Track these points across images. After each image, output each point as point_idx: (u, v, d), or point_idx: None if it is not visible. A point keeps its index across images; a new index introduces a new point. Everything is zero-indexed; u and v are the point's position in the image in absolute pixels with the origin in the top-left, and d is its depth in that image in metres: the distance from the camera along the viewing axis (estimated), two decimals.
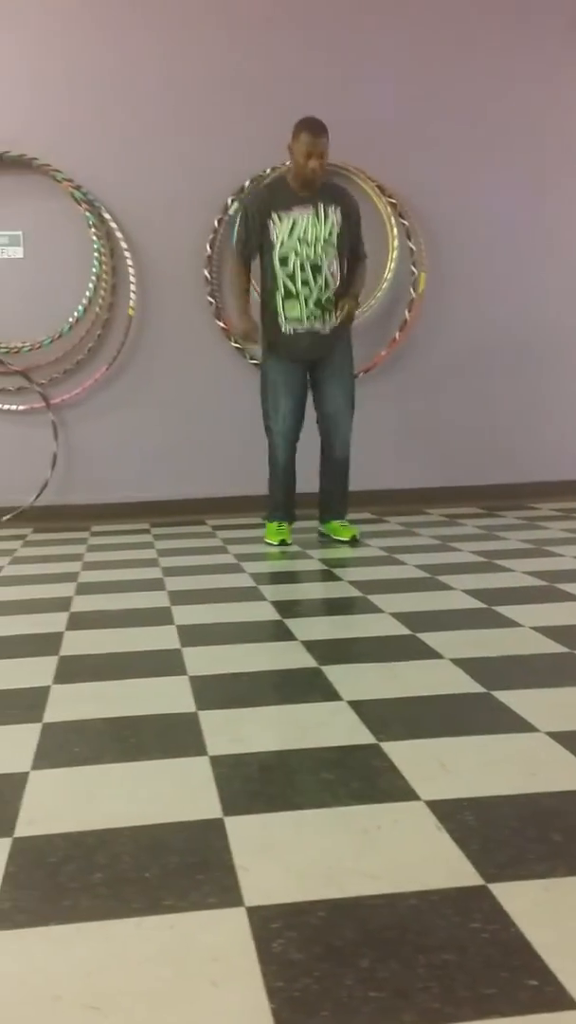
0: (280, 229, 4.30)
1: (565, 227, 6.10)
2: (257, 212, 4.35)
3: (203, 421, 5.83)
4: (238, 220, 4.68)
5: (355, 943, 1.22)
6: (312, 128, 4.23)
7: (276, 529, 4.58)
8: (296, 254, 4.30)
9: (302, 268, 4.30)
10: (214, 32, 5.68)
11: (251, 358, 5.73)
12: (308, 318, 4.34)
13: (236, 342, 5.58)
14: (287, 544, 4.51)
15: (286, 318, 4.36)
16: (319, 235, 4.30)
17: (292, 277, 4.31)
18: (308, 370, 4.47)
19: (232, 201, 5.66)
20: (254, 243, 4.38)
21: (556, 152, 6.05)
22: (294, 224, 4.30)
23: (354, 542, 4.50)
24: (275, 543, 4.51)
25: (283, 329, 4.37)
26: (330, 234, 4.32)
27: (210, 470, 5.84)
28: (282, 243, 4.30)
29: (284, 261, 4.31)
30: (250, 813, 1.61)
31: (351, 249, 4.43)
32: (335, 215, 4.33)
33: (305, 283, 4.31)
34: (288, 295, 4.33)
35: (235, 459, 5.77)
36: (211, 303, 5.74)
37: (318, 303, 4.33)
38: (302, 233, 4.29)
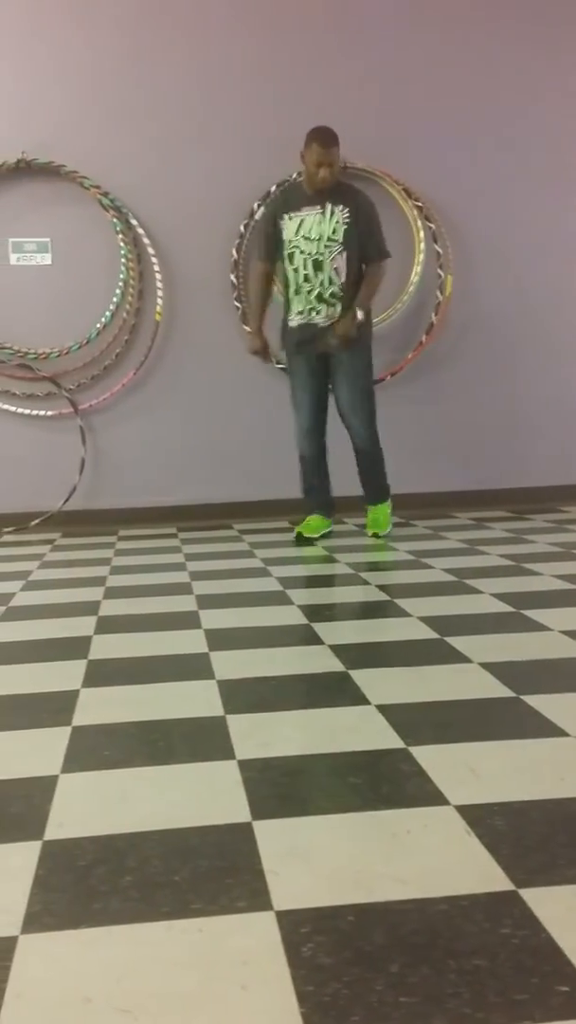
0: (288, 228, 4.56)
1: None
2: (271, 215, 4.66)
3: (230, 426, 5.84)
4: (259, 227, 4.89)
5: (385, 948, 1.22)
6: (322, 139, 4.44)
7: (310, 522, 4.80)
8: (300, 251, 4.55)
9: (305, 265, 4.55)
10: (241, 38, 5.70)
11: (277, 362, 5.74)
12: (308, 311, 4.59)
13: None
14: (325, 534, 4.79)
15: (292, 312, 4.65)
16: (323, 232, 4.51)
17: (297, 273, 4.57)
18: (325, 366, 4.68)
19: (258, 206, 5.67)
20: (270, 245, 4.66)
21: None
22: (301, 223, 4.55)
23: (375, 536, 4.80)
24: (316, 536, 4.75)
25: (289, 323, 4.68)
26: (334, 232, 4.51)
27: (237, 474, 5.85)
28: (289, 241, 4.57)
29: (291, 258, 4.58)
30: (278, 817, 1.61)
31: (361, 248, 4.56)
32: (341, 214, 4.52)
33: (307, 279, 4.56)
34: (296, 290, 4.60)
35: (262, 463, 5.78)
36: (238, 308, 5.75)
37: (319, 297, 4.56)
38: (307, 231, 4.53)
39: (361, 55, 5.79)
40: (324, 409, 4.74)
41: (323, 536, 4.80)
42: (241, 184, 5.68)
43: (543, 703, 2.13)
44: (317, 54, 5.75)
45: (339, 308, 4.56)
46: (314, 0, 5.75)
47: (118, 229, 5.63)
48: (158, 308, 5.72)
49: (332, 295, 4.54)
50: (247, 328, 5.43)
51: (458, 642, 2.69)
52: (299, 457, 4.84)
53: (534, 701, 2.15)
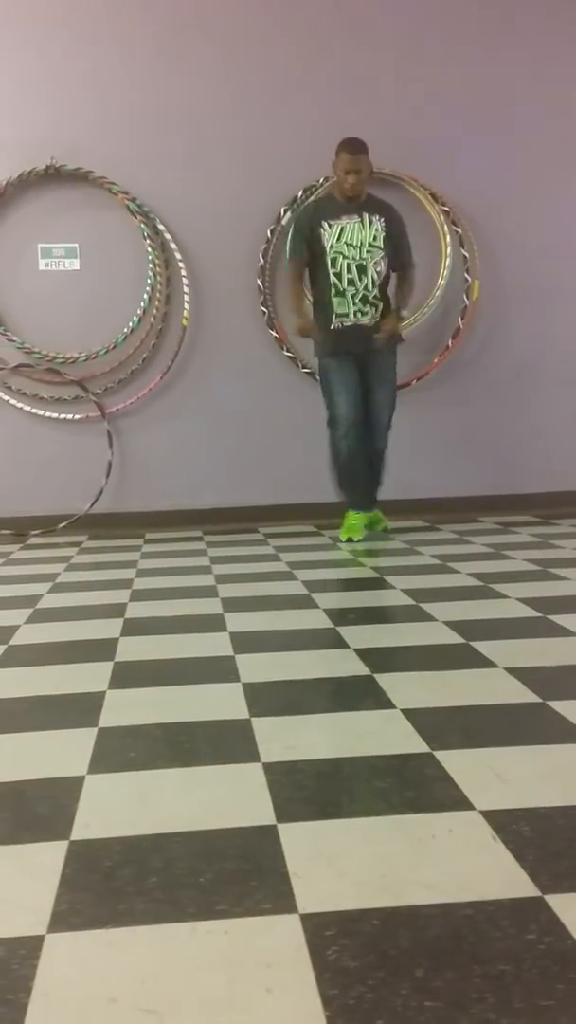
0: (330, 235, 4.76)
1: None
2: (307, 225, 4.81)
3: (256, 430, 5.85)
4: (291, 235, 4.97)
5: (410, 952, 1.22)
6: (350, 148, 4.70)
7: (355, 523, 4.92)
8: (344, 256, 4.77)
9: (349, 269, 4.77)
10: (270, 45, 5.72)
11: (303, 366, 5.75)
12: (355, 313, 4.79)
13: (291, 343, 5.64)
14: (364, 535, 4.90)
15: (336, 314, 4.81)
16: (364, 239, 4.78)
17: (340, 276, 4.78)
18: (359, 367, 4.84)
19: (285, 211, 5.69)
20: (307, 254, 4.82)
21: None
22: (342, 230, 4.78)
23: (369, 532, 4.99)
24: (357, 538, 4.85)
25: (333, 325, 4.82)
26: (374, 239, 4.80)
27: (263, 478, 5.86)
28: (331, 247, 4.78)
29: (334, 263, 4.78)
30: (304, 820, 1.61)
31: (396, 257, 4.86)
32: (379, 223, 4.81)
33: (351, 282, 4.77)
34: (338, 293, 4.80)
35: (288, 467, 5.79)
36: (264, 312, 5.76)
37: (364, 299, 4.79)
38: (349, 238, 4.77)
39: (388, 61, 5.79)
40: (362, 409, 4.86)
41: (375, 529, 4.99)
42: (269, 190, 5.70)
43: (569, 708, 2.12)
44: (344, 61, 5.76)
45: (379, 310, 4.81)
46: (344, 10, 5.76)
47: (145, 235, 5.66)
48: (185, 313, 5.74)
49: (375, 297, 4.80)
50: (275, 332, 5.47)
51: (483, 647, 2.68)
52: (335, 459, 4.92)
53: (560, 706, 2.14)
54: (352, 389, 4.81)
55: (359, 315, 4.78)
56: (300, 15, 5.73)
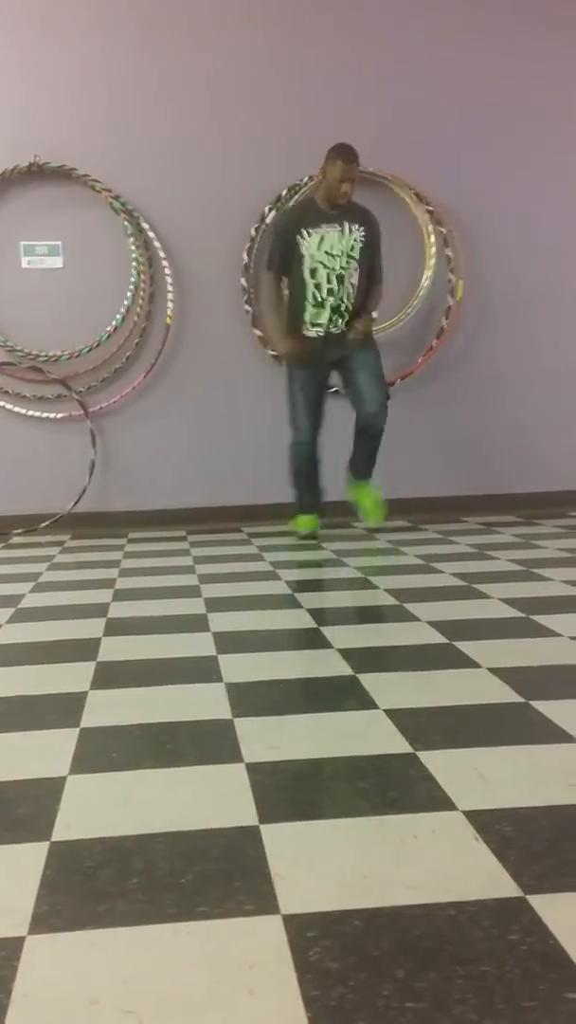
0: (309, 244, 4.72)
1: None
2: (287, 231, 4.79)
3: (240, 429, 5.85)
4: (272, 242, 4.97)
5: (392, 953, 1.22)
6: (347, 156, 4.65)
7: (300, 520, 5.06)
8: (324, 267, 4.74)
9: (328, 279, 4.74)
10: (253, 43, 5.71)
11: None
12: (329, 321, 4.79)
13: (274, 353, 5.61)
14: (314, 537, 4.95)
15: (312, 324, 4.79)
16: (344, 249, 4.75)
17: (320, 287, 4.75)
18: (332, 369, 4.90)
19: (269, 210, 5.68)
20: (286, 260, 4.78)
21: None
22: (322, 239, 4.74)
23: (372, 530, 5.10)
24: (302, 531, 4.99)
25: (306, 334, 4.80)
26: (352, 248, 4.77)
27: (247, 478, 5.85)
28: (311, 256, 4.74)
29: (313, 273, 4.74)
30: (286, 821, 1.61)
31: (368, 268, 4.85)
32: (358, 232, 4.78)
33: (331, 292, 4.76)
34: (317, 303, 4.77)
35: (272, 467, 5.77)
36: (248, 311, 5.75)
37: (342, 310, 4.79)
38: (329, 247, 4.74)
39: (372, 59, 5.79)
40: (323, 416, 4.95)
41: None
42: (253, 188, 5.69)
43: (552, 709, 2.13)
44: (328, 59, 5.76)
45: (348, 319, 4.82)
46: (325, 5, 5.76)
47: (129, 232, 5.64)
48: (169, 311, 5.73)
49: (346, 309, 4.79)
50: (259, 331, 5.47)
51: (467, 647, 2.69)
52: (299, 460, 4.97)
53: (543, 707, 2.14)
54: (317, 398, 4.86)
55: (332, 325, 4.78)
56: (284, 12, 5.73)
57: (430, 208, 5.78)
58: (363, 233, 4.77)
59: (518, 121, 5.92)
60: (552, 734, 1.98)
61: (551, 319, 6.04)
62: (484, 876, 1.40)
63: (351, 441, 5.01)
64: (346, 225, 4.74)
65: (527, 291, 6.00)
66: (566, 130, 5.97)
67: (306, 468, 4.97)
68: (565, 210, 6.00)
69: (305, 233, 4.72)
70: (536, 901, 1.32)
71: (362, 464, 5.03)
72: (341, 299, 4.75)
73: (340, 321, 4.79)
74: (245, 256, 5.72)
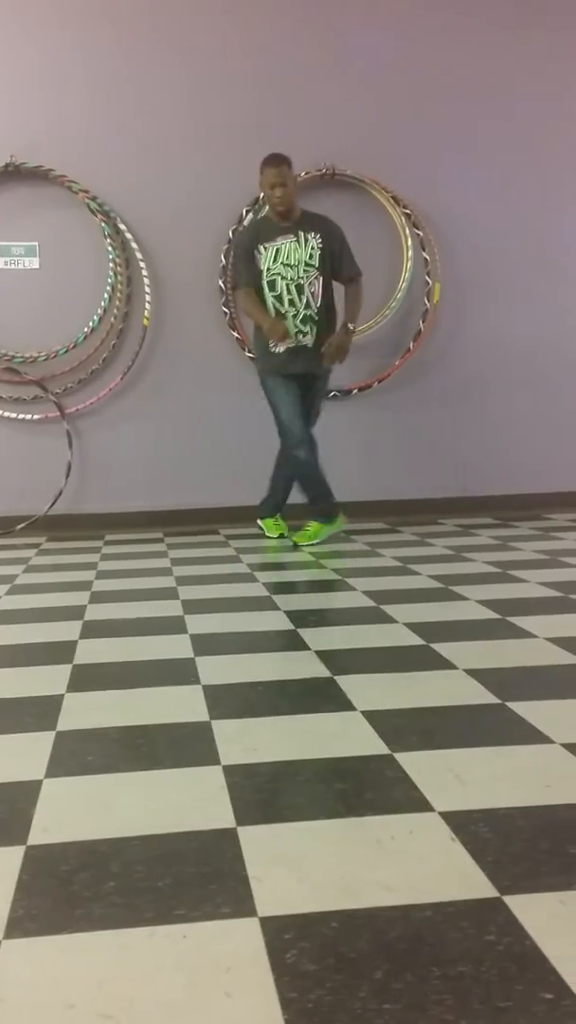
0: (266, 257, 4.72)
1: None
2: (246, 246, 4.77)
3: (217, 431, 5.84)
4: (234, 262, 5.00)
5: (369, 954, 1.22)
6: (271, 161, 4.64)
7: (341, 519, 4.98)
8: (282, 277, 4.70)
9: (288, 290, 4.70)
10: (231, 45, 5.71)
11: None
12: (296, 334, 4.72)
13: (253, 349, 5.57)
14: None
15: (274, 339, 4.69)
16: (301, 258, 4.71)
17: (279, 299, 4.71)
18: (301, 384, 4.82)
19: (247, 212, 5.68)
20: (253, 272, 4.75)
21: (573, 164, 6.04)
22: (278, 251, 4.71)
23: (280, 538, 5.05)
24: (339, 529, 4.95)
25: (271, 348, 4.74)
26: (310, 257, 4.72)
27: (224, 480, 5.85)
28: (268, 269, 4.71)
29: (272, 285, 4.71)
30: (263, 823, 1.61)
31: (338, 269, 4.80)
32: (315, 240, 4.73)
33: (291, 303, 4.71)
34: (278, 316, 4.70)
35: (249, 469, 5.77)
36: (225, 313, 5.75)
37: (305, 319, 4.72)
38: (285, 258, 4.71)
39: (350, 63, 5.80)
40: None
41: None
42: (230, 190, 5.69)
43: (528, 710, 2.14)
44: (306, 61, 5.77)
45: (315, 331, 4.74)
46: (304, 10, 5.77)
47: (106, 233, 5.63)
48: (146, 313, 5.72)
49: (309, 317, 4.72)
50: (236, 332, 5.46)
51: (444, 648, 2.69)
52: (303, 467, 4.81)
53: (519, 708, 2.15)
54: (299, 405, 4.77)
55: (300, 335, 4.70)
56: (261, 16, 5.73)
57: (408, 211, 5.80)
58: (320, 241, 4.71)
59: (496, 125, 5.95)
60: (528, 735, 1.99)
61: (527, 322, 6.07)
62: (461, 877, 1.40)
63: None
64: (302, 235, 4.70)
65: (503, 294, 6.03)
66: (544, 134, 6.00)
67: (315, 469, 4.81)
68: (542, 214, 6.04)
69: (261, 248, 4.70)
70: (512, 902, 1.33)
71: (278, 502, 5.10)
72: (306, 307, 4.69)
73: (311, 330, 4.70)
74: (223, 258, 5.72)
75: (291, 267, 4.68)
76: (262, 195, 5.13)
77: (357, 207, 5.74)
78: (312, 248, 4.71)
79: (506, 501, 6.02)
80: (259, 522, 5.19)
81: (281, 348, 4.71)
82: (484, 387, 6.07)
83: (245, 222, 5.64)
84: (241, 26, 5.72)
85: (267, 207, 4.86)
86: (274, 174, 4.60)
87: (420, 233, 5.85)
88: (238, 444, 5.83)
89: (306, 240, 4.71)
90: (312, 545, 4.77)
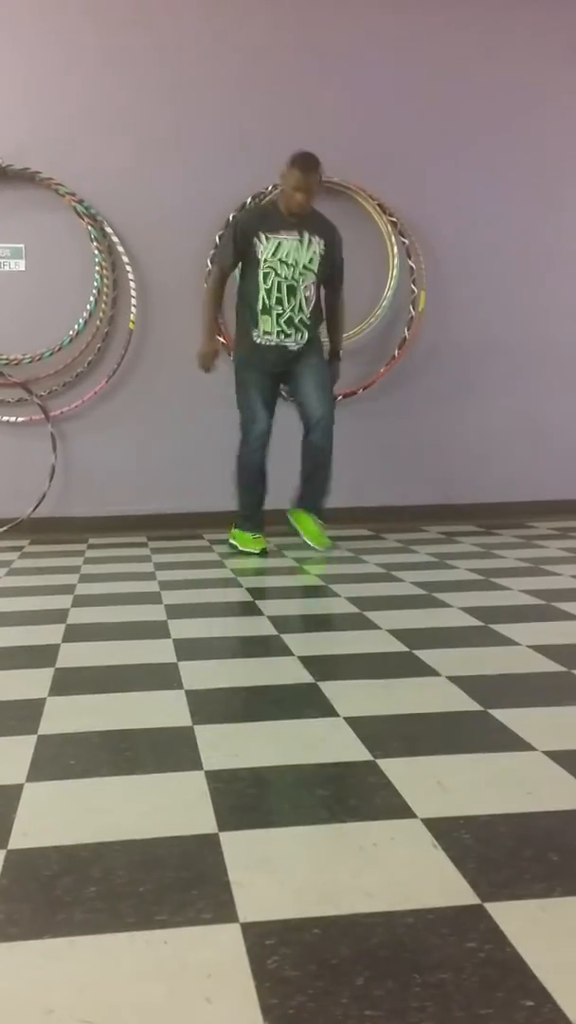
0: (266, 248, 4.57)
1: (566, 246, 6.12)
2: (245, 230, 4.62)
3: (202, 435, 5.83)
4: (225, 234, 4.89)
5: (350, 961, 1.22)
6: (303, 164, 4.45)
7: (253, 539, 4.75)
8: (276, 273, 4.58)
9: (279, 288, 4.59)
10: (218, 50, 5.72)
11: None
12: (278, 334, 4.63)
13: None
14: (266, 553, 4.69)
15: (261, 330, 4.64)
16: (299, 259, 4.59)
17: (269, 293, 4.59)
18: (280, 378, 4.75)
19: (233, 217, 5.67)
20: (237, 258, 4.65)
21: (558, 172, 6.08)
22: (279, 246, 4.57)
23: (319, 551, 4.72)
24: (257, 551, 4.69)
25: (256, 340, 4.65)
26: (310, 261, 4.61)
27: (208, 484, 5.83)
28: (265, 260, 4.57)
29: (265, 278, 4.59)
30: (245, 828, 1.61)
31: (330, 278, 4.72)
32: (318, 245, 4.62)
33: (279, 301, 4.60)
34: (264, 309, 4.61)
35: (234, 473, 5.77)
36: None
37: (289, 322, 4.63)
38: (284, 255, 4.57)
39: (337, 69, 5.82)
40: (272, 426, 4.76)
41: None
42: (217, 194, 5.69)
43: (511, 717, 2.14)
44: (294, 66, 5.78)
45: (306, 335, 4.66)
46: (292, 15, 5.78)
47: (92, 237, 5.62)
48: (131, 317, 5.71)
49: (300, 321, 4.63)
50: (223, 338, 5.44)
51: (426, 655, 2.70)
52: (243, 470, 4.77)
53: (502, 715, 2.16)
54: (270, 400, 4.71)
55: (282, 336, 4.60)
56: (248, 21, 5.74)
57: (393, 219, 5.81)
58: (323, 246, 4.60)
59: (483, 133, 5.98)
60: (510, 742, 1.99)
61: (511, 331, 6.09)
62: (442, 884, 1.40)
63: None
64: (306, 235, 4.58)
65: (489, 303, 6.05)
66: (529, 142, 6.03)
67: (260, 476, 4.72)
68: (528, 223, 6.06)
69: (263, 236, 4.55)
70: (494, 909, 1.33)
71: (314, 491, 4.78)
72: (292, 310, 4.59)
73: (295, 334, 4.61)
74: (209, 263, 5.71)
75: (288, 266, 4.55)
76: (277, 187, 4.95)
77: (343, 214, 5.73)
78: (314, 253, 4.59)
79: (490, 509, 6.04)
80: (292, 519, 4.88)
81: (264, 342, 4.62)
82: (469, 395, 6.09)
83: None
84: (229, 31, 5.73)
85: (279, 198, 4.70)
86: (300, 179, 4.42)
87: (406, 241, 5.86)
88: (223, 449, 5.81)
89: (309, 242, 4.58)
90: (235, 551, 4.75)
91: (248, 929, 1.29)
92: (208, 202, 5.70)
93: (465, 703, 2.27)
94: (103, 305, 5.70)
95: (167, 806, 1.71)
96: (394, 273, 5.86)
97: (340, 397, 5.85)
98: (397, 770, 1.84)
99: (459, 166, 5.97)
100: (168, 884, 1.41)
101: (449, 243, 5.98)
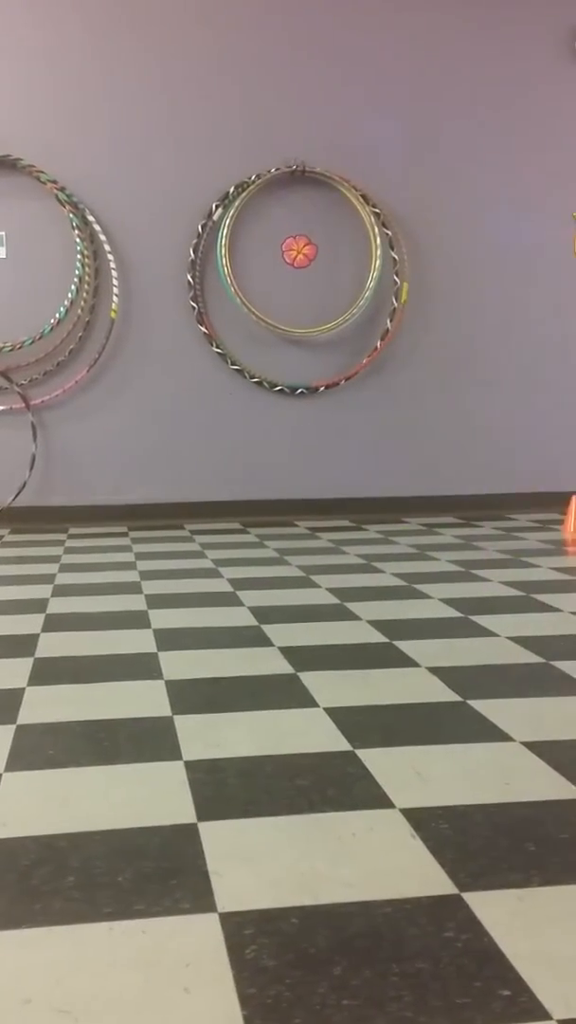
0: None
1: (547, 241, 6.13)
2: None
3: (183, 425, 5.82)
4: None
5: (328, 950, 1.22)
6: None
7: None
8: None
9: None
10: (202, 38, 5.68)
11: (232, 363, 5.73)
12: None
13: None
14: None
15: None
16: None
17: None
18: None
19: (216, 207, 5.66)
20: None
21: (540, 168, 6.08)
22: None
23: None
24: None
25: None
26: None
27: (189, 474, 5.83)
28: None
29: None
30: (225, 819, 1.61)
31: None
32: None
33: None
34: None
35: (214, 464, 5.77)
36: (194, 308, 5.73)
37: None
38: None
39: (322, 61, 5.80)
40: None
41: None
42: (200, 184, 5.67)
43: (489, 708, 2.15)
44: (278, 57, 5.76)
45: None
46: (274, 4, 5.75)
47: (74, 225, 5.59)
48: (113, 306, 5.69)
49: None
50: (204, 327, 5.41)
51: (406, 646, 2.70)
52: None
53: (480, 706, 2.17)
54: None
55: None
56: (232, 11, 5.71)
57: (376, 210, 5.81)
58: None
59: (465, 126, 5.97)
60: (488, 733, 2.00)
61: (493, 322, 6.10)
62: (420, 874, 1.41)
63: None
64: None
65: (471, 295, 6.06)
66: (512, 141, 6.03)
67: None
68: (510, 215, 6.07)
69: None
70: (471, 898, 1.33)
71: None
72: None
73: None
74: (191, 252, 5.70)
75: None
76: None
77: (327, 205, 5.75)
78: None
79: (470, 501, 6.06)
80: None
81: None
82: (450, 387, 6.09)
83: (215, 216, 5.62)
84: (213, 22, 5.70)
85: None
86: None
87: (389, 232, 5.86)
88: (204, 439, 5.81)
89: None
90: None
91: (226, 919, 1.29)
92: (192, 192, 5.68)
93: (444, 694, 2.28)
94: (84, 294, 5.67)
95: (146, 796, 1.71)
96: (377, 264, 5.85)
97: (322, 388, 5.86)
98: (376, 760, 1.84)
99: (444, 158, 5.96)
100: (146, 874, 1.41)
101: (432, 235, 5.97)
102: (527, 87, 6.03)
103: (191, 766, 1.83)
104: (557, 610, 3.20)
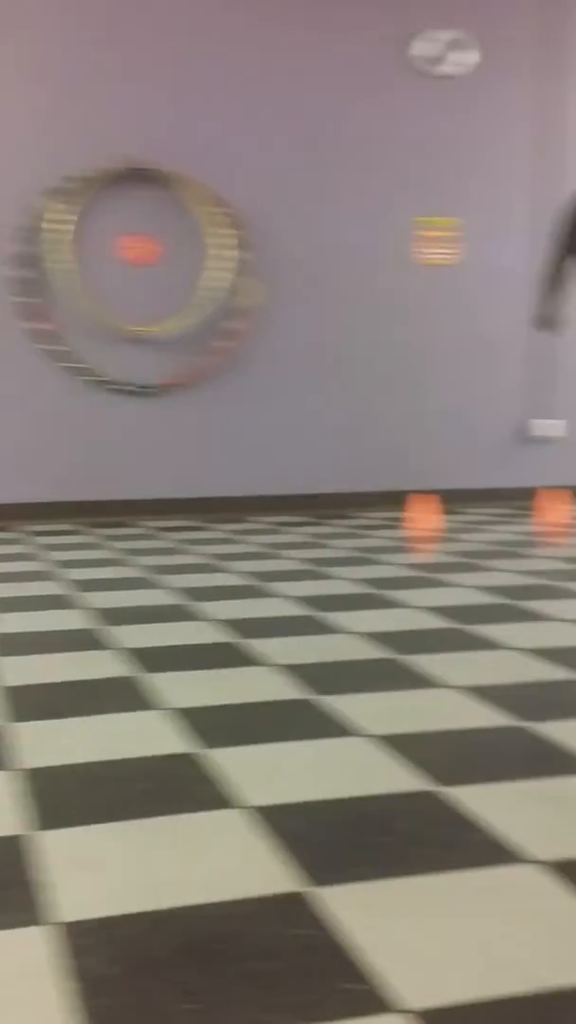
0: None
1: (397, 245, 6.22)
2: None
3: (13, 427, 5.62)
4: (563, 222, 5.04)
5: (171, 955, 1.18)
6: None
7: None
8: None
9: None
10: (21, 29, 5.53)
11: (63, 361, 5.58)
12: None
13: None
14: None
15: None
16: None
17: None
18: None
19: (45, 202, 5.50)
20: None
21: (385, 174, 6.17)
22: None
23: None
24: None
25: None
26: None
27: (26, 475, 5.64)
28: None
29: None
30: (65, 826, 1.54)
31: None
32: None
33: None
34: None
35: (40, 463, 5.61)
36: (15, 303, 5.54)
37: None
38: None
39: (170, 57, 5.72)
40: None
41: None
42: (23, 178, 5.47)
43: (338, 704, 2.14)
44: (118, 54, 5.65)
45: None
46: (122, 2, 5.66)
47: None
48: None
49: None
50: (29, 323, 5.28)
51: (254, 644, 2.67)
52: None
53: (329, 702, 2.15)
54: None
55: None
56: (79, 3, 5.58)
57: (228, 211, 5.77)
58: None
59: (312, 124, 6.00)
60: (336, 728, 1.99)
61: (342, 323, 6.15)
62: (267, 873, 1.38)
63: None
64: None
65: (319, 295, 6.09)
66: (363, 146, 6.09)
67: None
68: (355, 213, 6.12)
69: None
70: (320, 894, 1.31)
71: None
72: None
73: None
74: (16, 247, 5.50)
75: None
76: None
77: (171, 204, 5.68)
78: None
79: (319, 499, 6.09)
80: None
81: None
82: (300, 387, 6.11)
83: (44, 211, 5.45)
84: (30, 11, 5.54)
85: None
86: None
87: (236, 232, 5.82)
88: (30, 437, 5.63)
89: None
90: None
91: (64, 929, 1.23)
92: (13, 185, 5.46)
93: (293, 691, 2.26)
94: None
95: None
96: (223, 264, 5.81)
97: (156, 387, 5.78)
98: (223, 760, 1.80)
99: (292, 157, 5.96)
100: None
101: (278, 234, 5.96)
102: (368, 94, 6.10)
103: (31, 774, 1.74)
104: (405, 606, 3.23)
